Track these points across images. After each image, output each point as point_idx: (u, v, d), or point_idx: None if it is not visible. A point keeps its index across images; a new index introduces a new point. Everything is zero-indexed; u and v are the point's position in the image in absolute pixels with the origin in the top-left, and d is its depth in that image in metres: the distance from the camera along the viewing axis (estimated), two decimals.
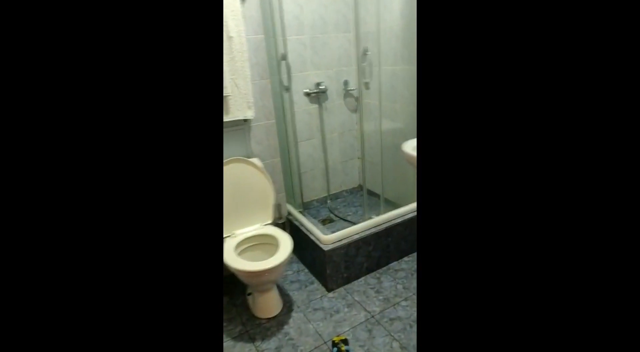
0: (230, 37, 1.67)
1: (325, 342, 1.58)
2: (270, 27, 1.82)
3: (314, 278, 2.01)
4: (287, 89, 1.87)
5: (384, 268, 2.04)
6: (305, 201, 2.47)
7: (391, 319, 1.67)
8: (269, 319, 1.75)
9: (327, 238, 1.84)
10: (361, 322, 1.67)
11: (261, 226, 1.86)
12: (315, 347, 1.56)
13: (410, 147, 1.53)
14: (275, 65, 1.90)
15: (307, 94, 2.33)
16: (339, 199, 2.69)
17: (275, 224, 2.15)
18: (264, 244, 1.82)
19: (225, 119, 1.76)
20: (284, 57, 1.84)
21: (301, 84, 2.29)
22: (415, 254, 2.11)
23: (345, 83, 2.44)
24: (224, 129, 1.87)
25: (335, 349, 1.51)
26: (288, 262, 1.63)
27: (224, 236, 1.79)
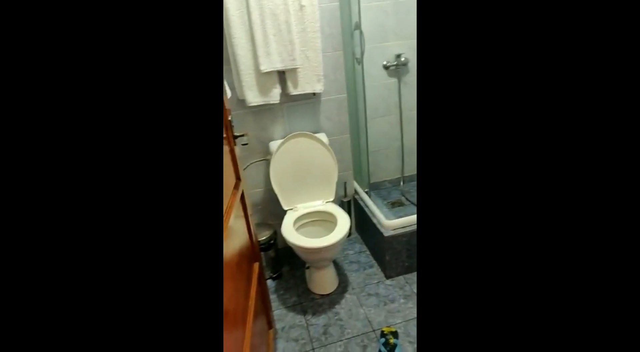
0: (302, 6, 1.61)
1: (373, 330, 1.52)
2: None
3: (374, 262, 1.94)
4: (359, 61, 1.74)
5: None
6: (375, 181, 2.36)
7: None
8: (322, 295, 1.75)
9: (389, 223, 1.73)
10: (415, 317, 1.56)
11: (323, 203, 1.83)
12: (363, 334, 1.51)
13: None
14: (349, 35, 1.78)
15: (386, 67, 2.16)
16: (413, 182, 2.50)
17: (340, 201, 2.11)
18: (325, 221, 1.80)
19: (294, 92, 1.74)
20: (357, 26, 1.71)
21: (379, 56, 2.12)
22: None
23: None
24: (293, 102, 1.86)
25: (382, 339, 1.44)
26: (342, 244, 1.58)
27: (287, 208, 1.81)
